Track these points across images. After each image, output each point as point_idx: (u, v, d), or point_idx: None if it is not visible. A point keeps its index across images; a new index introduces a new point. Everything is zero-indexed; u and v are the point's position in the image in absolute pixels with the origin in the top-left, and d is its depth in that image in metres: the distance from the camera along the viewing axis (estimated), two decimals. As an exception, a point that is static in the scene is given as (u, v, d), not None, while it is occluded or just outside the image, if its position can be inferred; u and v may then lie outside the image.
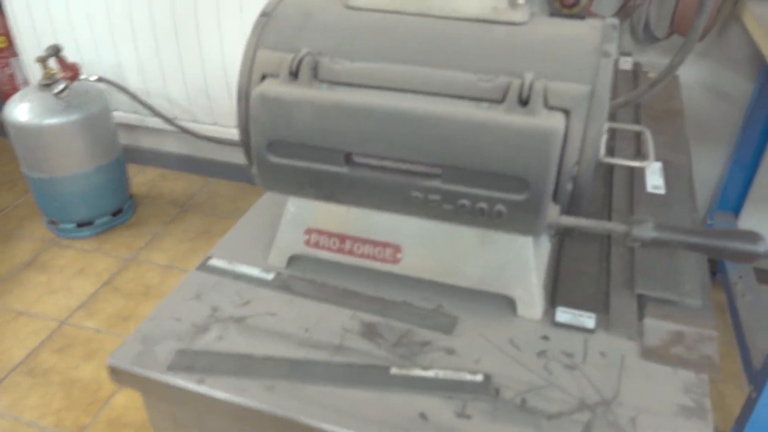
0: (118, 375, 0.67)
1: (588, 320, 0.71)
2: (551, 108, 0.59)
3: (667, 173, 0.96)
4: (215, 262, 0.80)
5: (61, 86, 1.77)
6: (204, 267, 0.80)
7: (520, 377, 0.65)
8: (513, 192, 0.60)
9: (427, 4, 0.67)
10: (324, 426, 0.60)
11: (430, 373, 0.64)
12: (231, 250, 0.83)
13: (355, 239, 0.75)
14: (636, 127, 0.77)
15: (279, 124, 0.64)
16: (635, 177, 0.95)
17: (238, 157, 2.21)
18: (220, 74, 1.94)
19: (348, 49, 0.66)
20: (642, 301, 0.73)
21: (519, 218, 0.62)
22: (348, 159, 0.65)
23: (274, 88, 0.64)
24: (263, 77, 0.66)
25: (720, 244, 0.58)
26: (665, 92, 1.25)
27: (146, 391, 0.68)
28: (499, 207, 0.61)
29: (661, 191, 0.92)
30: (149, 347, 0.68)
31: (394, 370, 0.65)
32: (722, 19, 1.46)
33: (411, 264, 0.74)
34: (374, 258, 0.75)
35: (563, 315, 0.72)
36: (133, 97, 2.00)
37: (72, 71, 1.81)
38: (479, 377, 0.64)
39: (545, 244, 0.76)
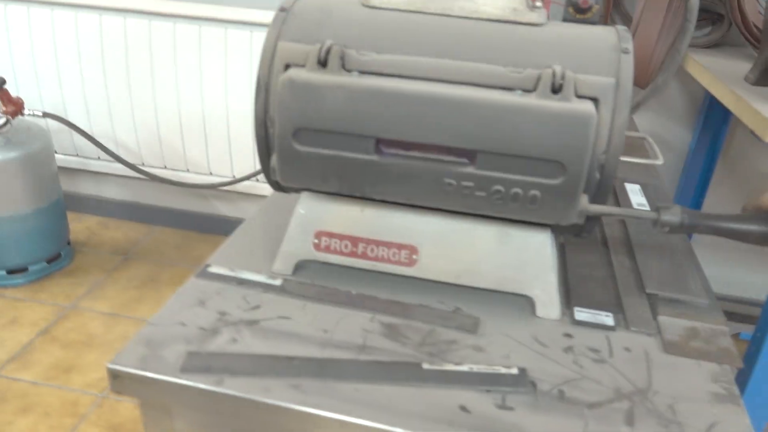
0: (120, 380, 0.60)
1: (607, 318, 0.71)
2: (580, 97, 0.61)
3: (646, 192, 1.01)
4: (215, 269, 0.76)
5: (1, 121, 1.67)
6: (203, 274, 0.75)
7: (552, 371, 0.63)
8: (549, 177, 0.61)
9: (447, 4, 0.69)
10: (361, 422, 0.56)
11: (463, 368, 0.62)
12: (230, 257, 0.78)
13: (369, 241, 0.73)
14: (637, 134, 0.81)
15: (307, 110, 0.62)
16: (618, 197, 0.98)
17: (184, 203, 2.14)
18: (174, 117, 1.90)
19: (373, 43, 0.66)
20: (653, 301, 0.75)
21: (553, 203, 0.62)
22: (378, 148, 0.64)
23: (303, 74, 0.63)
24: (287, 67, 0.65)
25: (744, 228, 0.60)
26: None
27: (151, 399, 0.61)
28: (534, 192, 0.61)
29: (646, 208, 0.96)
30: (155, 351, 0.62)
31: (426, 366, 0.62)
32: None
33: (428, 266, 0.72)
34: (389, 260, 0.73)
35: (582, 314, 0.72)
36: (81, 132, 1.91)
37: (15, 105, 1.72)
38: (514, 370, 0.62)
39: (555, 246, 0.76)
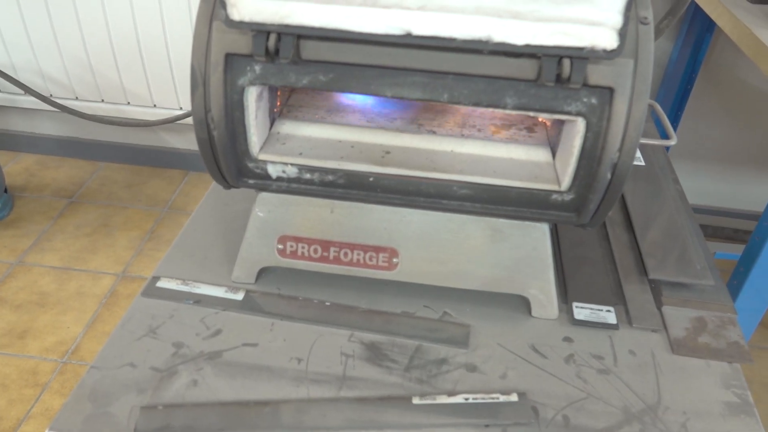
0: (64, 449, 0.52)
1: (608, 315, 0.65)
2: (592, 86, 0.50)
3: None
4: (165, 283, 0.66)
5: None
6: (152, 291, 0.65)
7: (554, 390, 0.57)
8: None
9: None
10: (348, 483, 0.49)
11: (458, 399, 0.55)
12: (181, 266, 0.68)
13: (342, 245, 0.63)
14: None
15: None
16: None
17: (131, 137, 1.97)
18: (105, 44, 1.68)
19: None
20: (655, 287, 0.68)
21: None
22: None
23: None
24: (228, 57, 0.52)
25: None
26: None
27: (105, 464, 0.53)
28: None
29: (641, 162, 0.88)
30: (101, 406, 0.53)
31: (416, 401, 0.55)
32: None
33: (410, 269, 0.64)
34: (366, 265, 0.64)
35: (581, 312, 0.65)
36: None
37: None
38: (513, 397, 0.56)
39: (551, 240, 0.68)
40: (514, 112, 0.53)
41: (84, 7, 1.62)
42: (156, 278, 0.66)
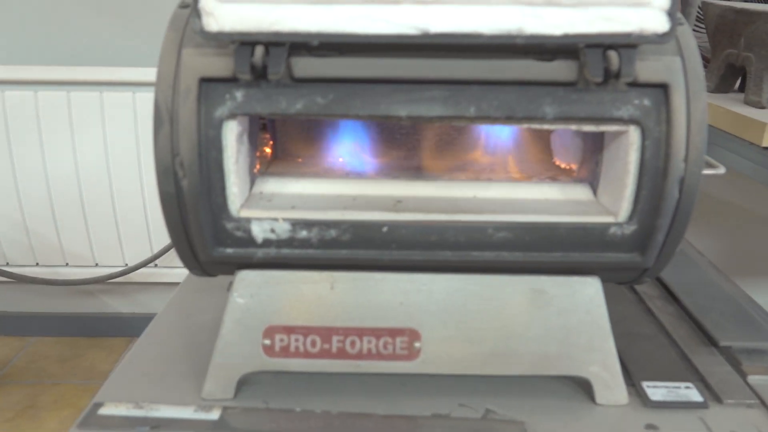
0: None
1: (689, 392, 0.51)
2: (643, 85, 0.43)
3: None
4: (111, 409, 0.48)
5: None
6: (92, 420, 0.47)
7: (661, 492, 0.42)
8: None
9: None
10: None
11: None
12: (132, 387, 0.52)
13: (348, 331, 0.49)
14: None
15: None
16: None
17: (66, 305, 1.77)
18: (43, 203, 1.56)
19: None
20: (729, 357, 0.56)
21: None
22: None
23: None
24: (202, 82, 0.42)
25: None
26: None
27: None
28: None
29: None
30: None
31: None
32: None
33: (436, 356, 0.50)
34: (379, 356, 0.49)
35: (657, 391, 0.51)
36: None
37: None
38: (614, 506, 0.40)
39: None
40: (554, 127, 0.44)
41: (22, 165, 1.52)
42: (98, 404, 0.49)
